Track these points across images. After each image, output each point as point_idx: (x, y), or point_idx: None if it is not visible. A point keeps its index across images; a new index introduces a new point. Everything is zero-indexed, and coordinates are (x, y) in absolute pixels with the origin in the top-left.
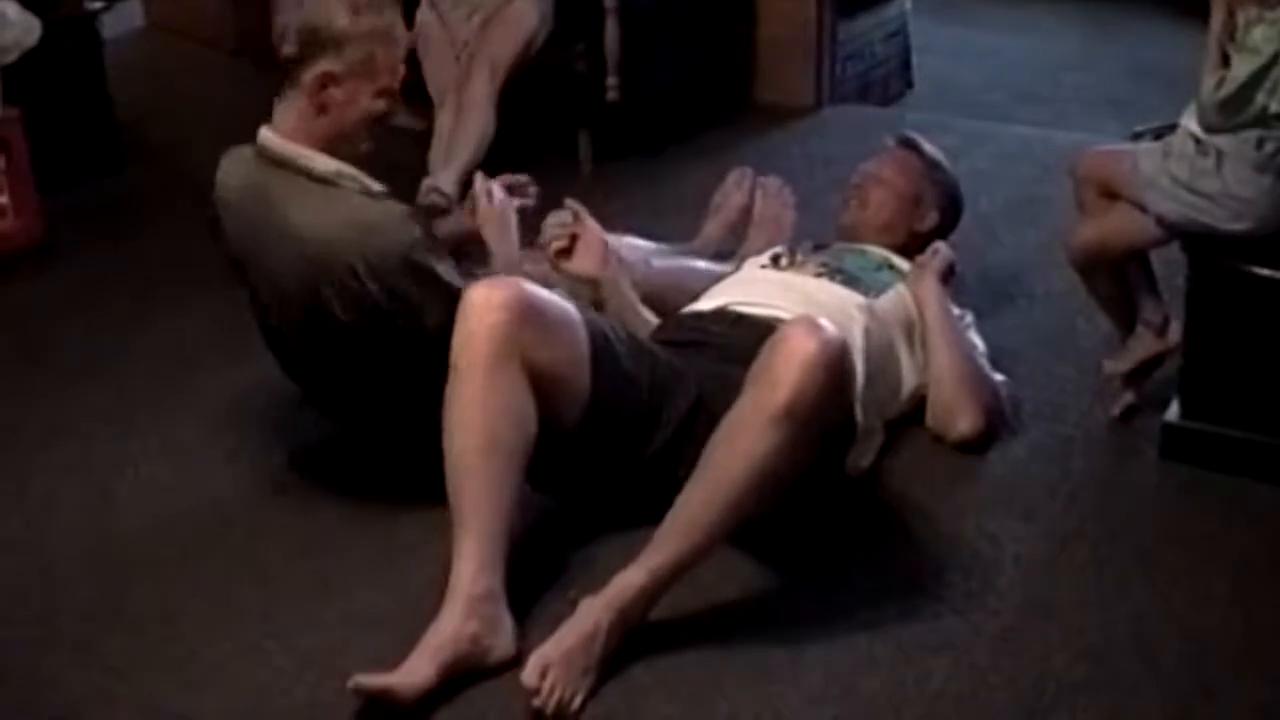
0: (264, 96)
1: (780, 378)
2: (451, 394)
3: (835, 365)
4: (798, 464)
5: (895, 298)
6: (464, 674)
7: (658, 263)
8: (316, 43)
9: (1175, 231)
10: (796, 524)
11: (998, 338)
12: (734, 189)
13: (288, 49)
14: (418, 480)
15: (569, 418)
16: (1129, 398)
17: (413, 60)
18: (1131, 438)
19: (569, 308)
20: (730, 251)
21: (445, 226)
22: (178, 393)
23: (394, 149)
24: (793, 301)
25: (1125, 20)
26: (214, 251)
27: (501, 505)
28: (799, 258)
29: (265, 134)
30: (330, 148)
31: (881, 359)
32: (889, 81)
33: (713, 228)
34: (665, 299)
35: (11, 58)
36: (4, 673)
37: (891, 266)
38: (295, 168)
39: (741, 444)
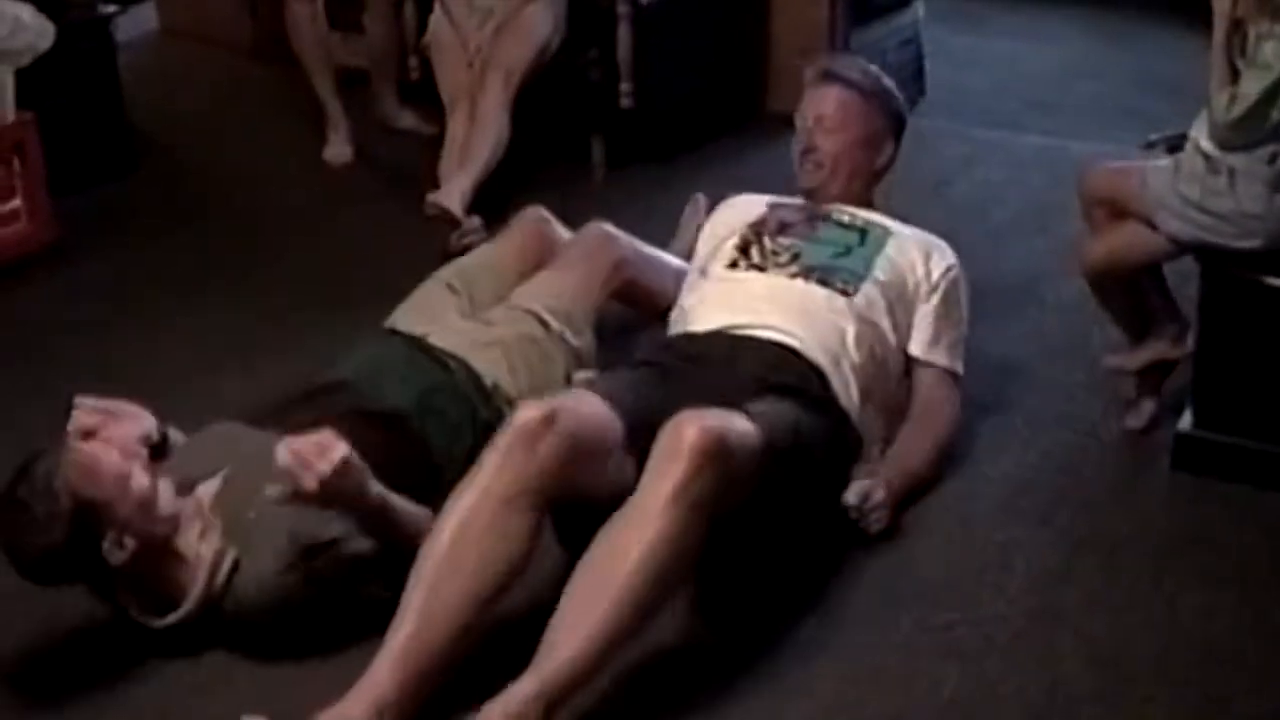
0: (276, 101)
1: (657, 475)
2: (462, 495)
3: (712, 450)
4: (690, 556)
5: (873, 289)
6: None
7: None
8: None
9: (1186, 249)
10: (806, 533)
11: (1009, 346)
12: (691, 213)
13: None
14: None
15: (604, 500)
16: (1150, 408)
17: (425, 65)
18: (1144, 447)
19: (606, 417)
20: None
21: (464, 240)
22: (191, 395)
23: (403, 154)
24: (783, 313)
25: (1136, 29)
26: (228, 254)
27: (457, 654)
28: (768, 246)
29: None
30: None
31: (875, 361)
32: (901, 89)
33: (674, 247)
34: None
35: (25, 61)
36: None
37: (863, 235)
38: None
39: (618, 542)
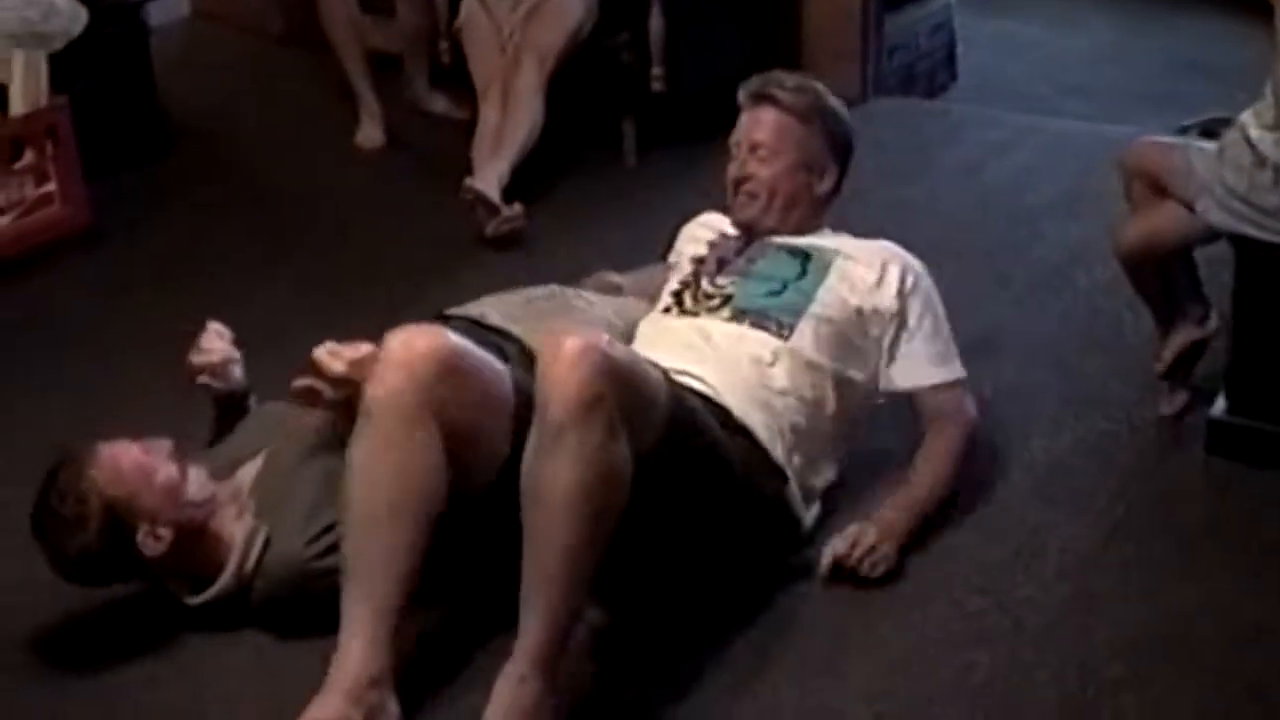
0: (308, 85)
1: (544, 399)
2: (359, 441)
3: (595, 354)
4: (607, 473)
5: (810, 326)
6: None
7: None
8: None
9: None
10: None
11: (1042, 331)
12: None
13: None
14: None
15: (479, 479)
16: (1182, 397)
17: (456, 49)
18: (1177, 433)
19: (493, 362)
20: None
21: (503, 227)
22: None
23: (435, 138)
24: (702, 359)
25: (1168, 14)
26: (261, 238)
27: (402, 576)
28: (704, 288)
29: None
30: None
31: (809, 404)
32: (934, 74)
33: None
34: None
35: (59, 46)
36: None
37: (802, 265)
38: None
39: (536, 487)
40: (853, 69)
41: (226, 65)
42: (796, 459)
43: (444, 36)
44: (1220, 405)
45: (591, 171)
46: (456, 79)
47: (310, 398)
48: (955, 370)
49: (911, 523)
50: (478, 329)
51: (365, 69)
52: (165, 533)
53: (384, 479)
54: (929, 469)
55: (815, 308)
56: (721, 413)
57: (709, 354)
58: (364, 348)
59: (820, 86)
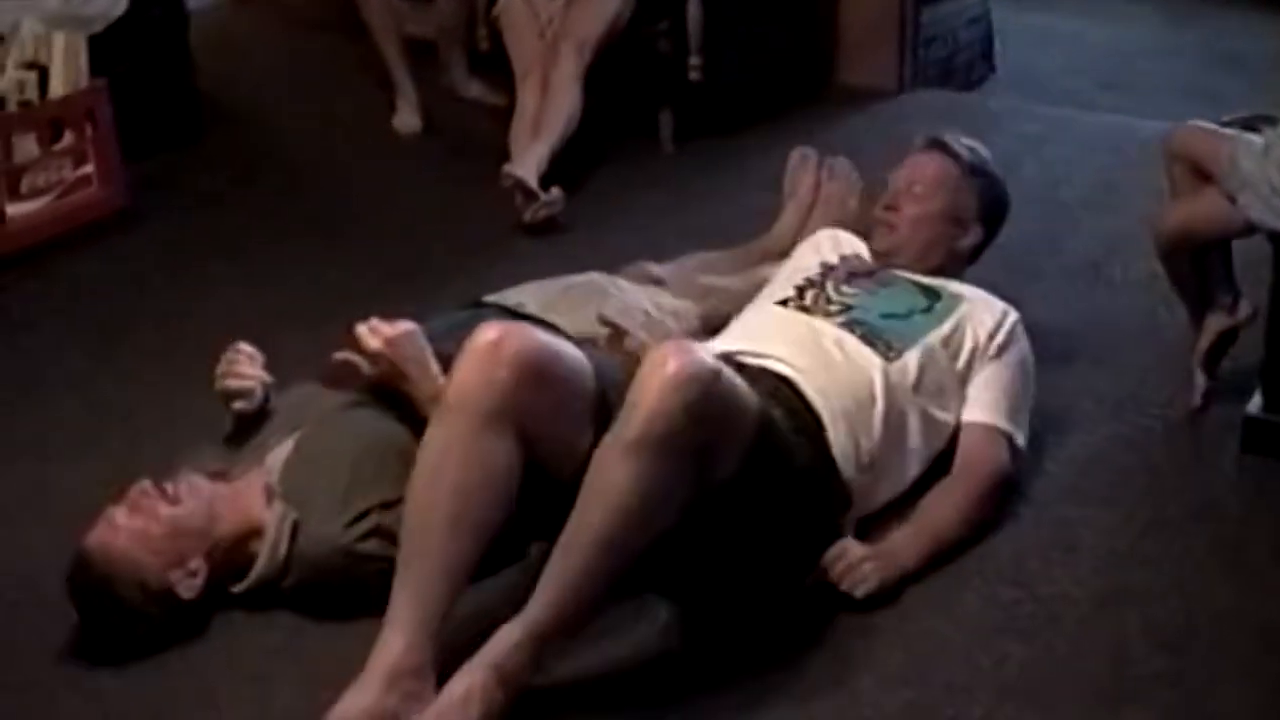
0: (346, 70)
1: (631, 407)
2: (435, 431)
3: (693, 384)
4: (668, 496)
5: (915, 359)
6: None
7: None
8: None
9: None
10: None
11: (1077, 325)
12: (800, 170)
13: None
14: None
15: (565, 470)
16: (1201, 382)
17: (494, 35)
18: (1212, 429)
19: (579, 358)
20: None
21: (540, 212)
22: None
23: (472, 124)
24: (798, 351)
25: (1205, 8)
26: (297, 222)
27: (454, 583)
28: (827, 292)
29: None
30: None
31: (892, 431)
32: (972, 66)
33: (789, 214)
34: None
35: (98, 28)
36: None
37: (930, 301)
38: None
39: (600, 481)
40: (890, 61)
41: (264, 49)
42: (864, 480)
43: (482, 23)
44: (1256, 402)
45: (629, 160)
46: (494, 65)
47: (346, 372)
48: (1017, 430)
49: (923, 551)
50: (515, 317)
51: (403, 55)
52: (197, 566)
53: (452, 479)
54: (952, 503)
55: (930, 339)
56: (808, 414)
57: (813, 353)
58: (404, 325)
59: (986, 152)
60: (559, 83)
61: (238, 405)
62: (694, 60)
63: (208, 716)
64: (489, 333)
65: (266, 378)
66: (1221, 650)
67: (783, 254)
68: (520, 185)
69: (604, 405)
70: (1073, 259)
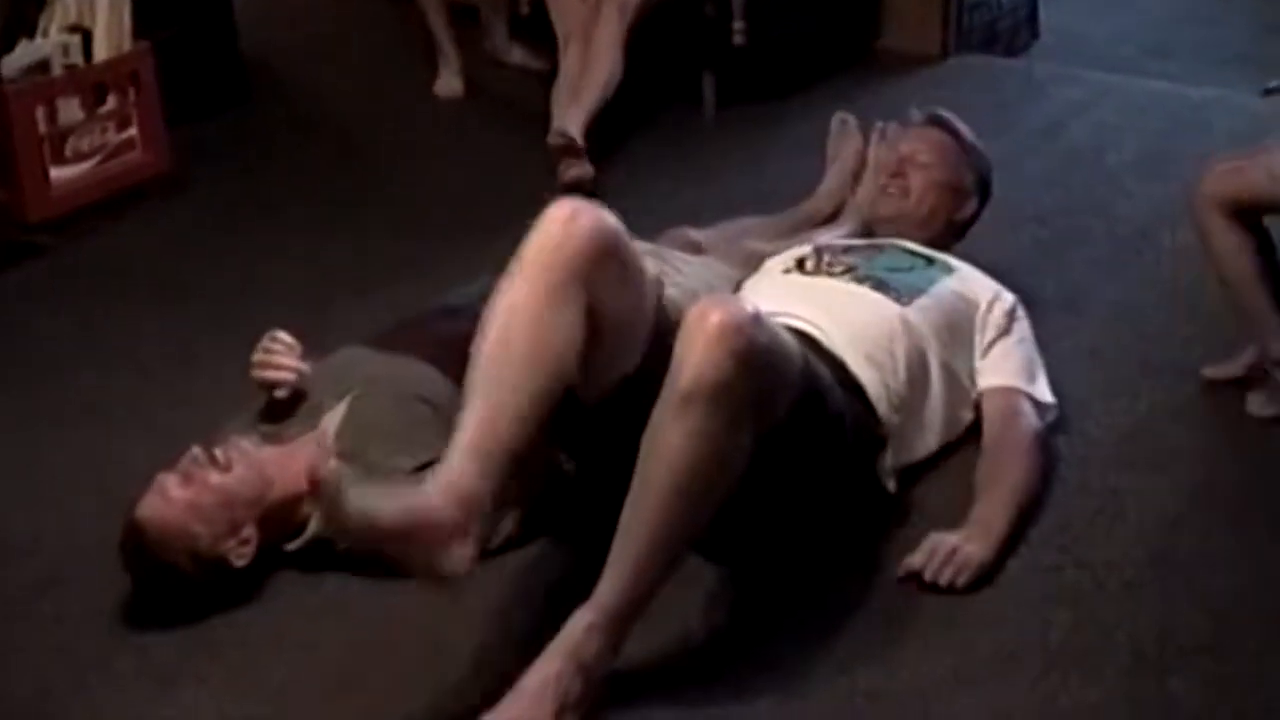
0: (388, 34)
1: (680, 364)
2: (505, 287)
3: (739, 334)
4: (724, 457)
5: (929, 303)
6: (400, 555)
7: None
8: None
9: None
10: (915, 473)
11: (1124, 292)
12: (842, 136)
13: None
14: None
15: (601, 384)
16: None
17: (537, 0)
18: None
19: (647, 265)
20: None
21: (572, 171)
22: (307, 323)
23: (513, 88)
24: (815, 308)
25: None
26: (340, 186)
27: (525, 419)
28: (826, 260)
29: None
30: None
31: (915, 373)
32: (1016, 32)
33: (832, 179)
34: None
35: None
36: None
37: (928, 261)
38: None
39: (657, 445)
40: (934, 26)
41: (307, 13)
42: (896, 420)
43: None
44: None
45: (670, 125)
46: (535, 30)
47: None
48: (1041, 392)
49: (1010, 512)
50: None
51: (445, 19)
52: (249, 534)
53: (525, 326)
54: (1009, 460)
55: (935, 290)
56: (837, 366)
57: (828, 307)
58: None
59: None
60: (600, 46)
61: (277, 393)
62: (737, 25)
63: (255, 678)
64: (564, 206)
65: (305, 368)
66: (1269, 619)
67: (824, 220)
68: (570, 144)
69: (658, 333)
70: (1120, 225)
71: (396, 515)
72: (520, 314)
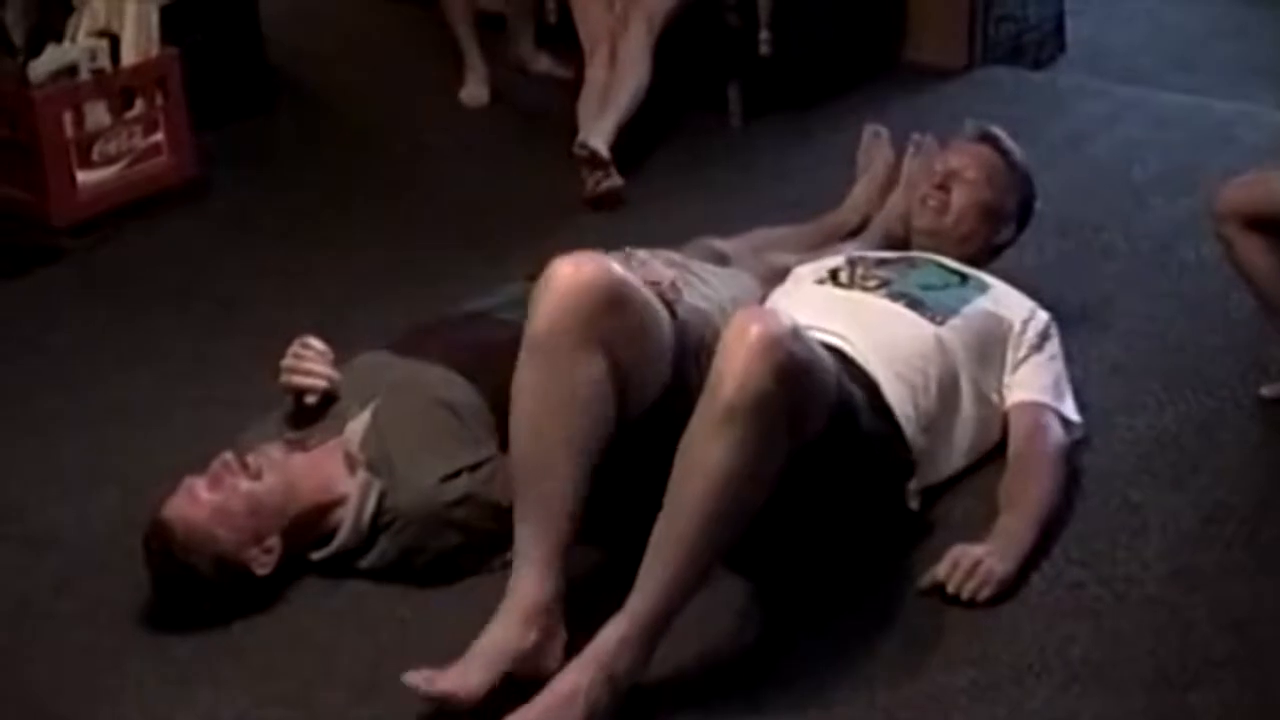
0: (414, 42)
1: (719, 377)
2: (524, 373)
3: (778, 347)
4: (761, 470)
5: (963, 323)
6: (514, 686)
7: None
8: None
9: None
10: (940, 486)
11: (1148, 305)
12: (874, 147)
13: None
14: None
15: (638, 405)
16: None
17: (562, 8)
18: None
19: (647, 291)
20: None
21: (603, 184)
22: (332, 328)
23: (539, 97)
24: (846, 322)
25: None
26: (365, 192)
27: (574, 508)
28: (860, 272)
29: None
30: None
31: (946, 394)
32: (1043, 44)
33: (860, 190)
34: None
35: None
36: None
37: (963, 278)
38: None
39: (695, 457)
40: (960, 38)
41: (334, 20)
42: (923, 442)
43: None
44: None
45: (697, 134)
46: (562, 38)
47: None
48: (1068, 409)
49: (1033, 524)
50: None
51: (472, 27)
52: (273, 543)
53: (554, 414)
54: (1033, 472)
55: (969, 310)
56: (867, 386)
57: (862, 322)
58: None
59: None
60: (628, 55)
61: (307, 399)
62: (764, 34)
63: (273, 682)
64: (564, 266)
65: (336, 375)
66: None
67: (851, 232)
68: (594, 156)
69: (682, 351)
70: (1144, 239)
71: (500, 670)
72: (547, 399)
